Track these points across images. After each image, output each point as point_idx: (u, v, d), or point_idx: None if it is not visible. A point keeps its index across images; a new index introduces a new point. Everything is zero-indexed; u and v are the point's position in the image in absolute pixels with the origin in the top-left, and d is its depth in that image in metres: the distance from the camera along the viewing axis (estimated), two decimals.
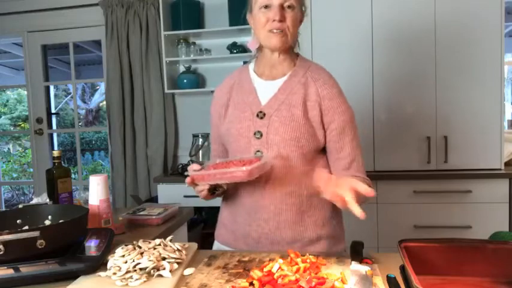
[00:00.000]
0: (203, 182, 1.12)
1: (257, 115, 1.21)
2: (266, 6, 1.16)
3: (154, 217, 1.51)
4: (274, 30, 1.16)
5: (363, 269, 0.90)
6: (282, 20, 1.15)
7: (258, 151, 1.18)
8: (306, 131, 1.18)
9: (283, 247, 1.19)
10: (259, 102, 1.23)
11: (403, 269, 0.91)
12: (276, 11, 1.14)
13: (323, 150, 1.26)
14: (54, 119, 3.87)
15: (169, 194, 2.80)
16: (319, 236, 1.23)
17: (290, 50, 1.25)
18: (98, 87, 8.71)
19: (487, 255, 0.92)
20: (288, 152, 1.17)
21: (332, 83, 1.23)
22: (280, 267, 0.90)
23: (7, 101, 8.32)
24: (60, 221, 1.12)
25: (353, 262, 0.94)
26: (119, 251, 1.00)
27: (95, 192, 1.31)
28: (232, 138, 1.24)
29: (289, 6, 1.15)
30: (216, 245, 1.36)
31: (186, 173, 1.13)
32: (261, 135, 1.19)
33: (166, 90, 3.08)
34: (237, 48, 2.99)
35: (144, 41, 3.16)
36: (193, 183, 1.13)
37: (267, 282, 0.85)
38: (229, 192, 1.30)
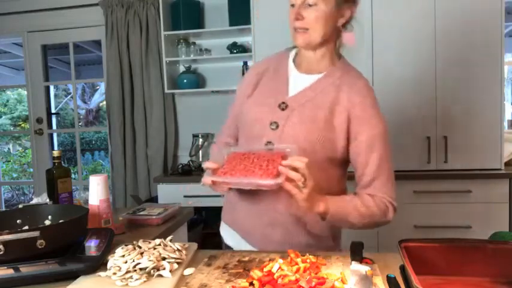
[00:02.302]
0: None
1: (279, 105, 1.16)
2: (292, 5, 1.14)
3: (154, 217, 1.51)
4: (297, 29, 1.13)
5: (363, 269, 0.90)
6: (299, 18, 1.12)
7: (269, 142, 1.13)
8: (324, 137, 1.11)
9: (273, 245, 1.16)
10: (286, 93, 1.18)
11: (403, 269, 0.91)
12: (296, 10, 1.12)
13: (342, 164, 1.19)
14: (54, 119, 3.87)
15: (169, 194, 2.79)
16: (310, 244, 1.18)
17: (327, 49, 1.18)
18: (98, 87, 8.71)
19: (487, 255, 0.92)
20: (299, 153, 1.08)
21: (367, 92, 1.15)
22: (280, 267, 0.90)
23: (7, 101, 8.32)
24: (60, 221, 1.12)
25: (353, 262, 0.94)
26: (119, 251, 1.00)
27: (95, 192, 1.31)
28: (247, 123, 1.20)
29: (310, 5, 1.11)
30: (222, 225, 1.36)
31: (205, 171, 1.06)
32: (277, 126, 1.14)
33: (166, 90, 3.08)
34: (237, 48, 2.99)
35: (144, 41, 3.15)
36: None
37: (267, 282, 0.85)
38: None
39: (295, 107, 1.15)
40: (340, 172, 1.21)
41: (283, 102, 1.16)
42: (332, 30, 1.15)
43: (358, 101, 1.13)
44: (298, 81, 1.19)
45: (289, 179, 0.97)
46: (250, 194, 1.18)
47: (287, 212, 1.16)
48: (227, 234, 1.32)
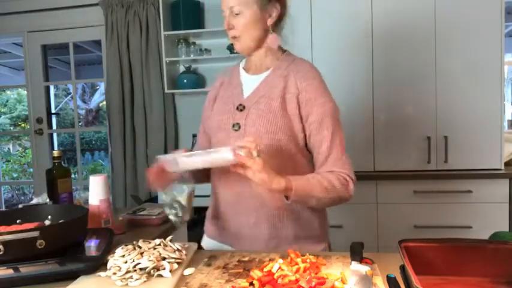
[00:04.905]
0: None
1: (237, 108, 1.22)
2: (224, 17, 1.22)
3: (154, 217, 1.51)
4: (232, 38, 1.22)
5: (363, 269, 0.90)
6: (230, 27, 1.20)
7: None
8: (284, 124, 1.17)
9: (260, 244, 1.19)
10: (242, 96, 1.24)
11: (403, 269, 0.91)
12: (227, 20, 1.21)
13: (305, 150, 1.22)
14: (54, 119, 3.87)
15: None
16: (298, 235, 1.22)
17: (267, 48, 1.24)
18: (98, 87, 8.72)
19: (487, 255, 0.92)
20: (265, 145, 1.13)
21: (313, 75, 1.21)
22: (280, 267, 0.90)
23: (7, 100, 8.33)
24: (60, 221, 1.12)
25: (353, 262, 0.94)
26: (119, 251, 1.00)
27: (95, 192, 1.31)
28: (214, 131, 1.27)
29: (237, 14, 1.19)
30: (204, 239, 1.36)
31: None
32: (239, 127, 1.20)
33: (166, 90, 3.08)
34: None
35: (144, 41, 3.15)
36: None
37: (267, 282, 0.85)
38: (212, 184, 1.31)
39: (251, 105, 1.21)
40: (305, 159, 1.23)
41: (240, 104, 1.23)
42: (264, 32, 1.21)
43: (305, 85, 1.19)
44: (250, 83, 1.26)
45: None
46: (233, 198, 1.22)
47: (273, 206, 1.18)
48: (211, 247, 1.32)
